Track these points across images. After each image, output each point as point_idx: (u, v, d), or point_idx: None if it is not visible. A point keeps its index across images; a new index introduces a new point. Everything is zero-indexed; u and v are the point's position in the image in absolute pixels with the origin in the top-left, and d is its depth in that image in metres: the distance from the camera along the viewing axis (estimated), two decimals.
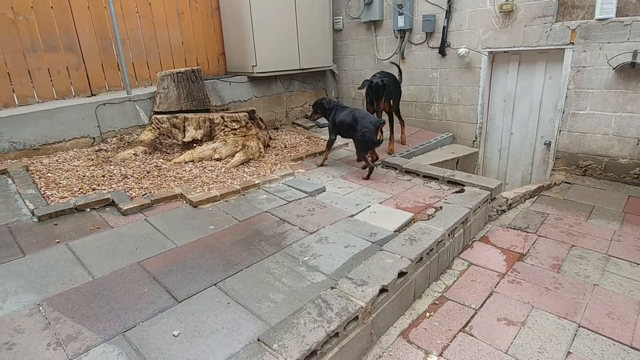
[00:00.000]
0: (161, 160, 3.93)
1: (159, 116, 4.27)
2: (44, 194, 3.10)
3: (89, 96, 4.55)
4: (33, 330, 1.83)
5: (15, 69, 4.07)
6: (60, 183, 3.28)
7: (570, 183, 4.31)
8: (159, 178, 3.50)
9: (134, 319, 1.91)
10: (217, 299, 2.06)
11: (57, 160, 3.74)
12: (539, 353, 2.02)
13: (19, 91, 4.13)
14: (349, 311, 1.90)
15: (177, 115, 4.25)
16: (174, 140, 4.24)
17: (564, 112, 4.47)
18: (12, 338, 1.79)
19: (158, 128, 4.26)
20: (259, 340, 1.74)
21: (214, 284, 2.18)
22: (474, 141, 5.42)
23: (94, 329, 1.84)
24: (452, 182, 3.66)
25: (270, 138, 4.93)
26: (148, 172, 3.60)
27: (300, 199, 3.29)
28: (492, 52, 5.00)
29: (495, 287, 2.56)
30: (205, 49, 5.63)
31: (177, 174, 3.62)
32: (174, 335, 1.81)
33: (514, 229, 3.31)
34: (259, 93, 5.75)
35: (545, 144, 4.84)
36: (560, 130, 4.55)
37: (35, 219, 2.79)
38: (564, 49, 4.32)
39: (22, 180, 3.25)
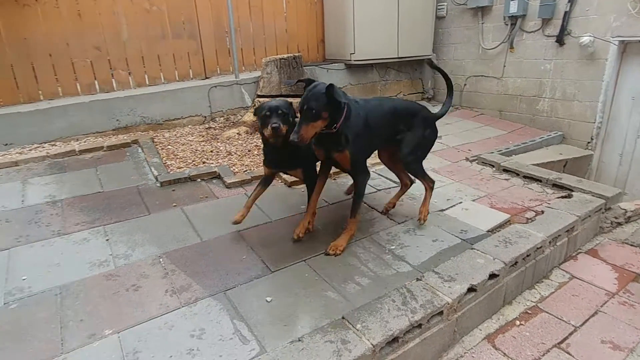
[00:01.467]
0: (260, 140, 4.23)
1: (261, 99, 4.59)
2: (165, 163, 3.59)
3: (203, 79, 5.06)
4: (154, 278, 2.17)
5: (148, 54, 4.70)
6: (177, 155, 3.76)
7: None
8: (258, 157, 3.79)
9: (234, 280, 2.14)
10: (306, 274, 2.20)
11: (175, 135, 4.27)
12: None
13: (150, 73, 4.77)
14: (434, 305, 1.89)
15: (277, 99, 4.52)
16: None
17: None
18: (139, 281, 2.13)
19: None
20: (343, 318, 1.83)
21: (303, 260, 2.32)
22: (588, 143, 4.82)
23: (201, 284, 2.11)
24: (557, 186, 3.33)
25: None
26: (249, 151, 3.92)
27: (389, 188, 3.30)
28: (623, 41, 4.35)
29: (601, 306, 2.30)
30: (307, 36, 5.84)
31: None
32: (267, 301, 1.99)
33: (632, 245, 2.90)
34: (354, 81, 5.81)
35: None
36: None
37: (158, 184, 3.25)
38: None
39: (149, 150, 3.79)
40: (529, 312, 2.28)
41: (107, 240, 2.50)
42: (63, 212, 2.82)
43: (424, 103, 6.33)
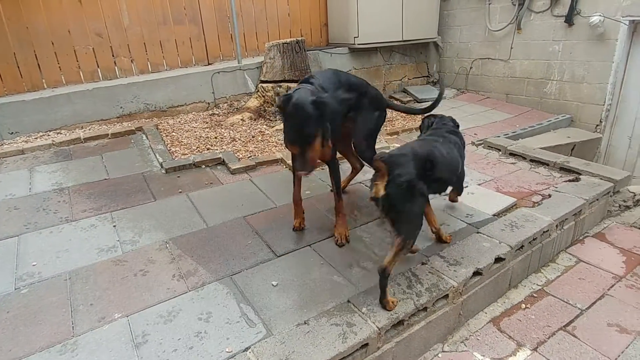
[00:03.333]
0: (264, 126, 4.21)
1: (264, 85, 4.55)
2: (170, 149, 3.58)
3: (206, 65, 5.01)
4: (162, 263, 2.19)
5: (150, 40, 4.65)
6: (182, 141, 3.75)
7: None
8: (262, 143, 3.78)
9: (240, 265, 2.16)
10: (311, 259, 2.21)
11: (179, 122, 4.26)
12: None
13: (152, 59, 4.73)
14: (439, 288, 1.89)
15: (280, 84, 4.48)
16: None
17: None
18: (146, 267, 2.16)
19: (263, 96, 4.54)
20: (348, 301, 1.84)
21: (309, 245, 2.33)
22: (597, 125, 4.75)
23: (207, 269, 2.13)
24: (565, 169, 3.29)
25: None
26: (253, 137, 3.90)
27: None
28: (634, 21, 4.24)
29: (608, 289, 2.30)
30: (310, 20, 5.74)
31: (279, 140, 3.85)
32: (272, 285, 2.01)
33: None
34: (358, 65, 5.73)
35: None
36: None
37: (163, 171, 3.25)
38: None
39: (153, 137, 3.79)
40: (535, 295, 2.29)
41: (114, 226, 2.52)
42: (70, 199, 2.84)
43: (429, 87, 6.25)
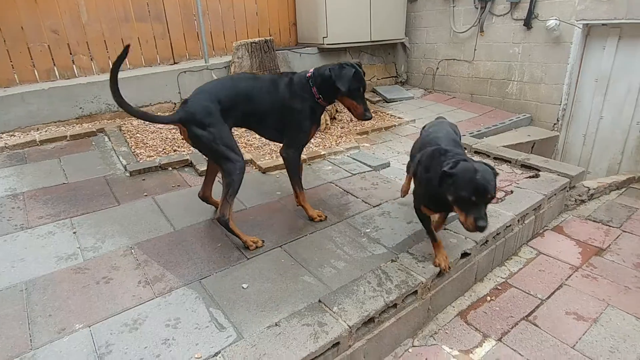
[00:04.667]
0: None
1: None
2: (134, 152, 3.46)
3: (171, 64, 4.88)
4: (126, 269, 2.11)
5: (110, 37, 4.47)
6: (147, 143, 3.63)
7: None
8: None
9: (209, 269, 2.11)
10: (282, 260, 2.19)
11: (144, 123, 4.12)
12: (610, 352, 1.90)
13: (113, 58, 4.53)
14: (408, 285, 1.93)
15: None
16: None
17: None
18: (110, 273, 2.07)
19: None
20: (320, 301, 1.84)
21: (280, 246, 2.31)
22: (554, 124, 4.99)
23: (175, 274, 2.07)
24: (526, 166, 3.44)
25: (336, 111, 4.95)
26: None
27: (364, 172, 3.32)
28: (587, 24, 4.49)
29: (566, 279, 2.42)
30: (278, 19, 5.71)
31: (248, 140, 3.81)
32: (243, 287, 1.98)
33: (594, 221, 3.05)
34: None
35: None
36: None
37: (127, 174, 3.14)
38: None
39: (116, 139, 3.64)
40: (499, 287, 2.37)
41: (74, 232, 2.40)
42: (25, 205, 2.69)
43: (397, 87, 6.36)
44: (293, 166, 2.53)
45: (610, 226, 2.97)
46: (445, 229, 2.41)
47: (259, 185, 3.07)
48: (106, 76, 4.29)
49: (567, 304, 2.22)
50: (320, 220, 2.57)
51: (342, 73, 2.30)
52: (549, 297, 2.28)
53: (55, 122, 4.02)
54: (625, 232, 2.89)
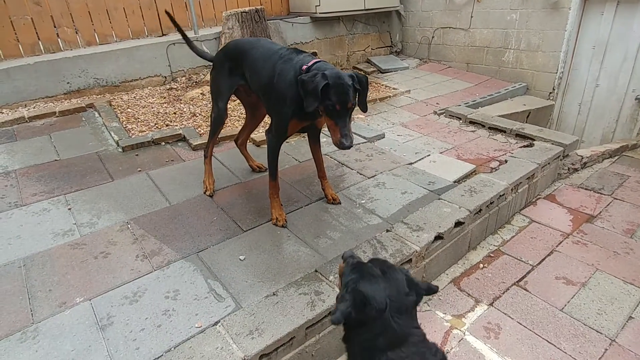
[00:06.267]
0: None
1: None
2: (126, 127, 3.41)
3: (160, 36, 4.73)
4: (123, 244, 2.12)
5: (95, 8, 4.31)
6: (138, 118, 3.57)
7: None
8: None
9: (206, 242, 2.13)
10: (278, 232, 2.21)
11: (134, 97, 4.04)
12: (597, 314, 1.97)
13: (99, 30, 4.40)
14: (403, 253, 1.96)
15: None
16: None
17: None
18: (107, 248, 2.09)
19: None
20: (316, 271, 1.88)
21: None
22: (550, 93, 4.96)
23: (173, 247, 2.09)
24: (520, 136, 3.44)
25: None
26: None
27: (359, 144, 3.30)
28: None
29: (557, 246, 2.47)
30: None
31: (241, 114, 3.75)
32: (240, 259, 2.00)
33: (586, 189, 3.09)
34: (320, 35, 5.61)
35: (636, 98, 4.31)
36: None
37: (120, 149, 3.10)
38: None
39: (107, 114, 3.58)
40: (492, 255, 2.43)
41: (69, 209, 2.40)
42: (18, 183, 2.66)
43: (392, 57, 6.24)
44: (269, 152, 2.23)
45: (601, 194, 3.01)
46: (439, 199, 2.43)
47: (254, 158, 3.05)
48: (93, 49, 4.19)
49: (557, 270, 2.28)
50: (283, 226, 2.25)
51: (309, 86, 1.83)
52: (539, 263, 2.34)
53: (43, 98, 3.93)
54: (616, 199, 2.94)
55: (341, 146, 1.90)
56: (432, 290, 1.16)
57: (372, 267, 1.17)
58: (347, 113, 1.89)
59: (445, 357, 1.09)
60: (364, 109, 2.08)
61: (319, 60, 2.02)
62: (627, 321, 1.93)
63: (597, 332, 1.88)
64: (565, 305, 2.03)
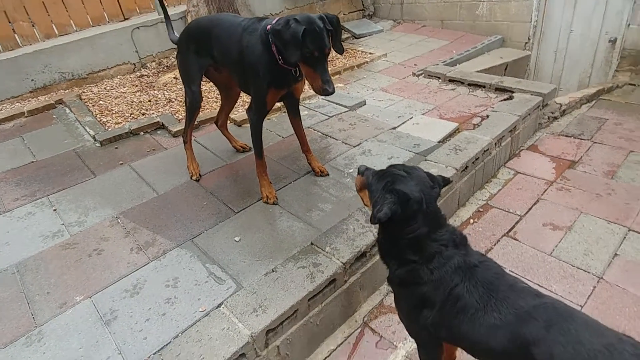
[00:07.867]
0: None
1: None
2: (100, 120, 3.30)
3: (121, 20, 4.51)
4: (116, 239, 2.10)
5: None
6: (112, 110, 3.46)
7: (635, 85, 3.94)
8: None
9: (199, 227, 2.13)
10: (270, 210, 2.22)
11: (105, 88, 3.89)
12: (584, 255, 2.06)
13: (56, 20, 4.17)
14: None
15: None
16: None
17: (635, 2, 3.90)
18: (100, 245, 2.06)
19: None
20: (312, 244, 1.90)
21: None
22: (526, 43, 4.94)
23: (166, 236, 2.08)
24: (500, 89, 3.46)
25: None
26: None
27: (341, 113, 3.28)
28: None
29: (542, 194, 2.54)
30: None
31: (218, 95, 3.66)
32: (235, 241, 2.01)
33: (567, 136, 3.15)
34: (290, 4, 5.43)
35: (610, 41, 4.34)
36: (629, 24, 4.03)
37: (98, 144, 3.02)
38: None
39: (78, 109, 3.45)
40: (481, 210, 2.49)
41: (55, 210, 2.35)
42: None
43: (366, 20, 6.10)
44: (252, 130, 2.20)
45: (581, 139, 3.08)
46: (426, 160, 2.45)
47: (237, 138, 3.01)
48: (53, 42, 3.98)
49: (544, 217, 2.36)
50: (275, 203, 2.25)
51: (286, 34, 1.76)
52: (526, 212, 2.41)
53: (8, 99, 3.76)
54: (595, 143, 3.01)
55: (324, 93, 1.86)
56: (447, 181, 1.40)
57: (397, 170, 1.31)
58: (325, 58, 1.84)
59: (465, 237, 1.31)
60: (341, 51, 2.03)
61: (277, 19, 1.94)
62: (612, 258, 2.03)
63: (585, 271, 1.97)
64: (554, 249, 2.11)
